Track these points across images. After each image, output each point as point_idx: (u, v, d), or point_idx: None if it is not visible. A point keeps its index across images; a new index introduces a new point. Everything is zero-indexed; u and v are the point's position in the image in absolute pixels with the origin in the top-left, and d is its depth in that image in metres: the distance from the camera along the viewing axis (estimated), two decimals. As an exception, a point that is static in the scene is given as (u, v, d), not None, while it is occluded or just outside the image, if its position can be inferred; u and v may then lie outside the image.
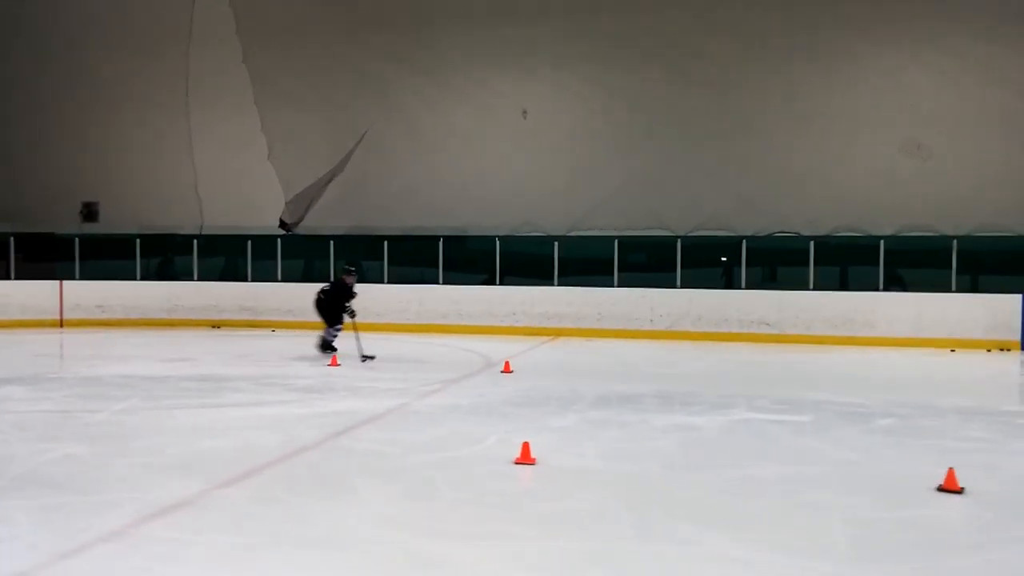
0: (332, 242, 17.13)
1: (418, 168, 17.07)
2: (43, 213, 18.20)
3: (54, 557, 3.92)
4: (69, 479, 5.30)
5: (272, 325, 16.81)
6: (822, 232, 15.48)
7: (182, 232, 18.01)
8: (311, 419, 7.33)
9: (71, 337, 15.29)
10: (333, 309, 11.94)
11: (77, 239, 17.77)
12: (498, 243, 16.64)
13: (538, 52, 16.81)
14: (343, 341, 12.05)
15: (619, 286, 16.23)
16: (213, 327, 17.02)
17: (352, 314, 11.76)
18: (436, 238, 16.80)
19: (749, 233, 15.84)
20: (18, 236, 17.48)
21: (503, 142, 17.01)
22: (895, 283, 15.24)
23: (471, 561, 3.97)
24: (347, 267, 12.47)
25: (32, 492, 4.99)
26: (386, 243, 16.97)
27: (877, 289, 15.08)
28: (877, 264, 15.02)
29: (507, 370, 10.67)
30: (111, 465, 5.68)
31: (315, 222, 17.69)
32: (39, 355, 12.28)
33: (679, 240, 16.01)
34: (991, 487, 5.40)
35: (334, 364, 11.01)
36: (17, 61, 18.77)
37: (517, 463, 5.79)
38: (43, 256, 17.86)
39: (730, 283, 15.99)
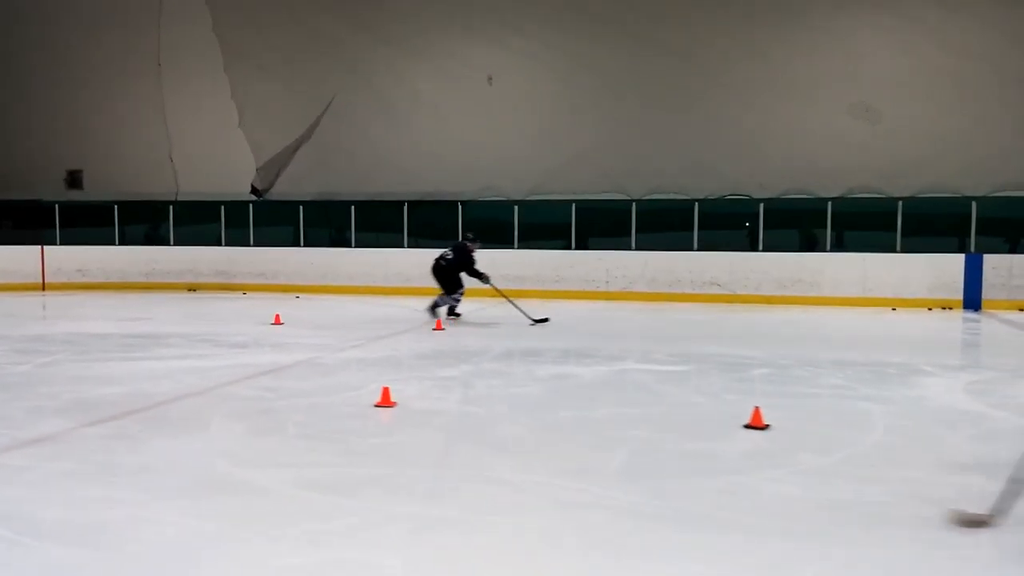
0: (302, 207, 17.67)
1: (385, 135, 17.49)
2: (29, 181, 18.90)
3: (-97, 479, 4.50)
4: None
5: (245, 288, 17.45)
6: (773, 195, 15.76)
7: (159, 199, 18.63)
8: (217, 371, 7.88)
9: (47, 299, 16.01)
10: (454, 276, 12.09)
11: (57, 206, 18.46)
12: (461, 208, 17.08)
13: (503, 19, 17.08)
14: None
15: (577, 249, 16.66)
16: (189, 290, 17.68)
17: (485, 279, 12.16)
18: (402, 203, 17.27)
19: (702, 196, 16.14)
20: (4, 203, 18.20)
21: (468, 109, 17.39)
22: (840, 245, 15.54)
23: (264, 482, 4.48)
24: (469, 234, 12.69)
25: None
26: (353, 208, 17.49)
27: (824, 250, 15.39)
28: (825, 226, 15.32)
29: (439, 327, 11.19)
30: (3, 408, 6.26)
31: (286, 188, 18.22)
32: (5, 315, 12.96)
33: (634, 203, 16.36)
34: (795, 426, 5.84)
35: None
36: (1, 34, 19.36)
37: (377, 406, 6.31)
38: (28, 223, 18.57)
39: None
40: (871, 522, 3.91)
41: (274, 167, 18.14)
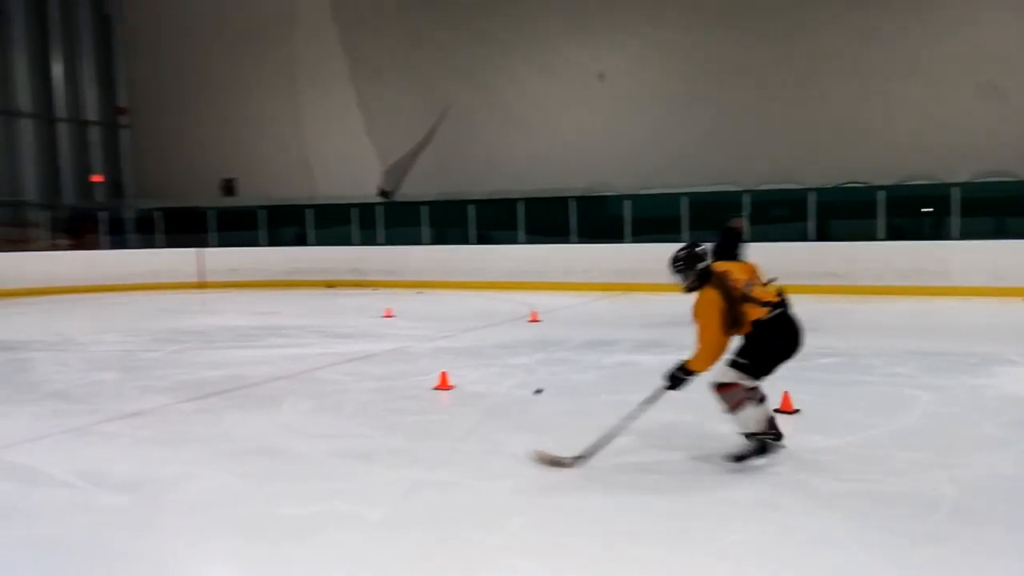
0: (425, 208, 18.65)
1: (499, 136, 18.17)
2: (188, 190, 21.01)
3: (26, 438, 5.50)
4: (82, 395, 6.98)
5: (376, 284, 18.61)
6: (892, 181, 15.12)
7: (300, 202, 20.18)
8: (312, 358, 8.73)
9: (202, 296, 17.79)
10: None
11: (210, 212, 20.40)
12: (574, 204, 17.46)
13: (612, 18, 17.34)
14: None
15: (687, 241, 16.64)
16: (327, 287, 19.05)
17: None
18: (516, 201, 17.87)
19: (816, 185, 15.71)
20: (166, 211, 20.34)
21: (578, 108, 17.78)
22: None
23: (302, 450, 5.15)
24: (736, 216, 11.02)
25: (50, 404, 6.68)
26: (473, 207, 18.26)
27: (951, 238, 14.61)
28: (949, 213, 14.54)
29: (533, 319, 11.68)
30: (120, 387, 7.32)
31: (410, 189, 19.28)
32: (161, 309, 14.60)
33: (747, 194, 16.14)
34: (824, 411, 5.91)
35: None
36: (161, 57, 21.61)
37: (435, 389, 6.89)
38: (188, 227, 20.62)
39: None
40: (794, 500, 4.08)
41: (399, 170, 19.23)
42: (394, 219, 19.29)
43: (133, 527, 3.92)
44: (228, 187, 21.81)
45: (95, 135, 24.18)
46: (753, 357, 4.58)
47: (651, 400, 4.80)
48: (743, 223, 10.96)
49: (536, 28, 18.03)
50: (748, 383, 4.60)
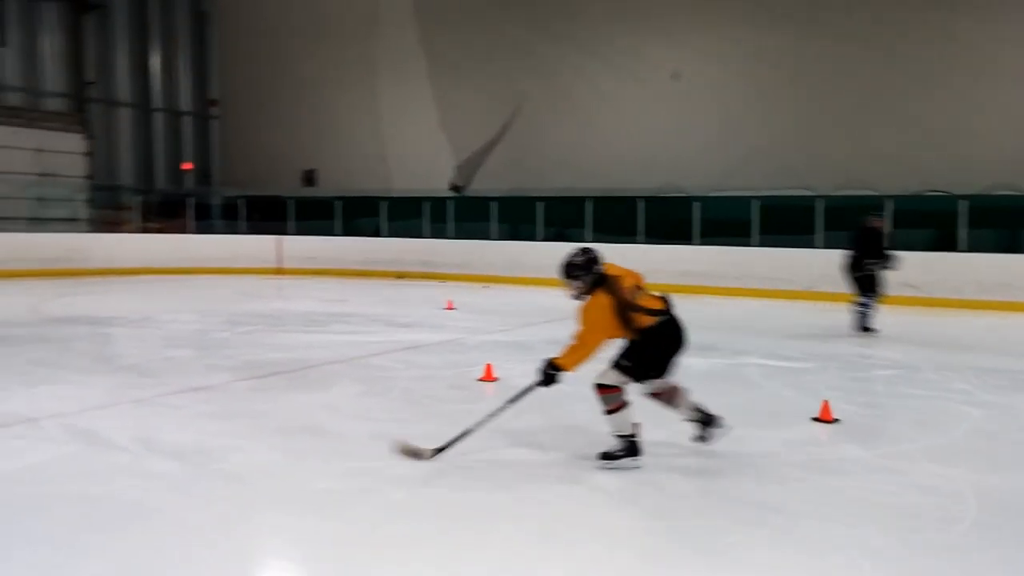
0: (495, 204, 18.89)
1: (570, 134, 18.29)
2: (271, 179, 21.82)
3: (96, 405, 5.94)
4: (153, 370, 7.45)
5: (444, 277, 18.96)
6: (974, 191, 14.60)
7: (375, 194, 20.71)
8: (370, 344, 9.05)
9: (279, 281, 18.46)
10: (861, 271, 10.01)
11: (290, 201, 21.14)
12: (642, 204, 17.43)
13: (686, 17, 17.25)
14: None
15: (758, 246, 16.42)
16: (398, 277, 19.51)
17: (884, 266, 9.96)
18: (585, 199, 17.95)
19: (895, 193, 15.29)
20: (249, 199, 21.16)
21: (650, 107, 17.75)
22: None
23: (342, 430, 5.43)
24: (874, 215, 10.66)
25: (123, 376, 7.16)
26: (542, 204, 18.41)
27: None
28: (1034, 225, 13.98)
29: (591, 318, 11.76)
30: (190, 363, 7.78)
31: (481, 185, 19.57)
32: (239, 293, 15.24)
33: (821, 200, 15.84)
34: (863, 422, 5.86)
35: None
36: (251, 52, 22.46)
37: (480, 380, 7.10)
38: (269, 215, 21.40)
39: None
40: (811, 510, 4.10)
41: (471, 165, 19.54)
42: (465, 214, 19.61)
43: (177, 491, 4.23)
44: (309, 178, 22.54)
45: (187, 125, 25.32)
46: (637, 361, 4.66)
47: (517, 397, 4.89)
48: (883, 222, 10.63)
49: (611, 27, 18.06)
50: (627, 385, 4.69)
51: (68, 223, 20.54)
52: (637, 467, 4.68)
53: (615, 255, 15.89)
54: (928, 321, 12.60)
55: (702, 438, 4.90)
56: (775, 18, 16.35)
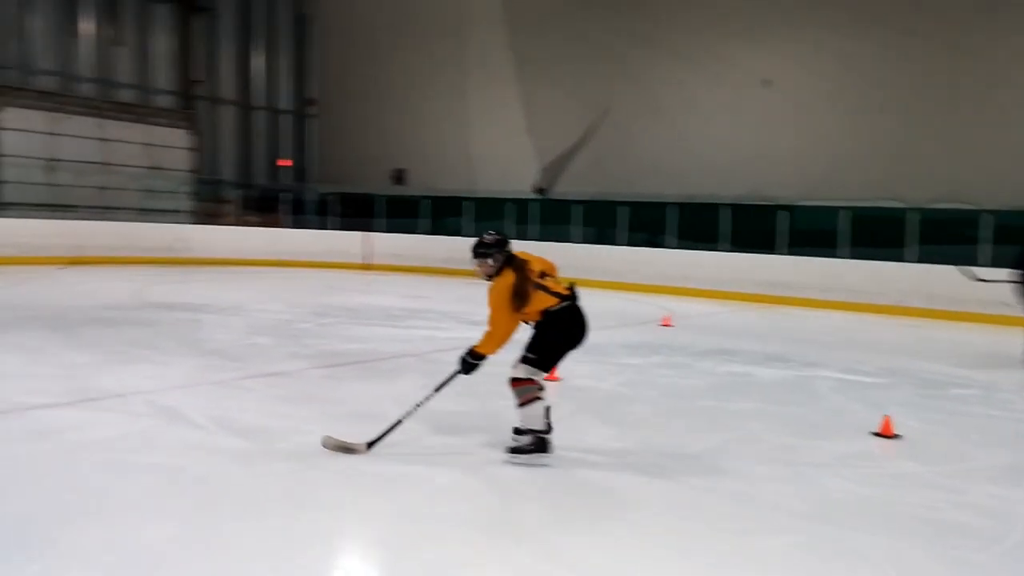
0: (577, 207, 18.99)
1: (656, 139, 18.22)
2: (362, 177, 22.49)
3: (179, 385, 6.36)
4: (235, 354, 7.87)
5: (525, 278, 19.17)
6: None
7: (460, 194, 21.10)
8: (443, 340, 9.32)
9: (365, 276, 19.03)
10: None
11: (379, 199, 21.74)
12: (727, 211, 17.22)
13: (779, 24, 16.96)
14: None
15: (847, 258, 16.00)
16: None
17: None
18: (668, 205, 17.85)
19: (994, 207, 14.66)
20: (341, 195, 21.87)
21: (738, 113, 17.51)
22: None
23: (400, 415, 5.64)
24: None
25: (207, 359, 7.59)
26: (623, 208, 18.41)
27: None
28: None
29: (665, 324, 11.75)
30: (271, 350, 8.18)
31: (565, 188, 19.68)
32: (326, 286, 15.80)
33: (913, 212, 15.32)
34: (925, 439, 5.74)
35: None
36: (348, 54, 23.19)
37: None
38: (359, 212, 22.05)
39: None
40: (859, 522, 4.07)
41: (556, 168, 19.68)
42: (547, 216, 19.78)
43: (241, 467, 4.52)
44: (398, 177, 23.13)
45: (286, 123, 26.32)
46: (541, 351, 4.76)
47: (442, 385, 4.92)
48: None
49: (702, 32, 17.92)
50: (539, 377, 4.75)
51: (172, 214, 21.68)
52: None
53: (697, 262, 16.05)
54: (1014, 342, 12.07)
55: (517, 451, 4.80)
56: (868, 25, 15.91)
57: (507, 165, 20.45)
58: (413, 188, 22.29)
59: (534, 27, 19.91)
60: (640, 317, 12.84)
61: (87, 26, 21.67)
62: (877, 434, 5.72)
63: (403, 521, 3.86)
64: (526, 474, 4.63)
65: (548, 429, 4.80)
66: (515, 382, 4.77)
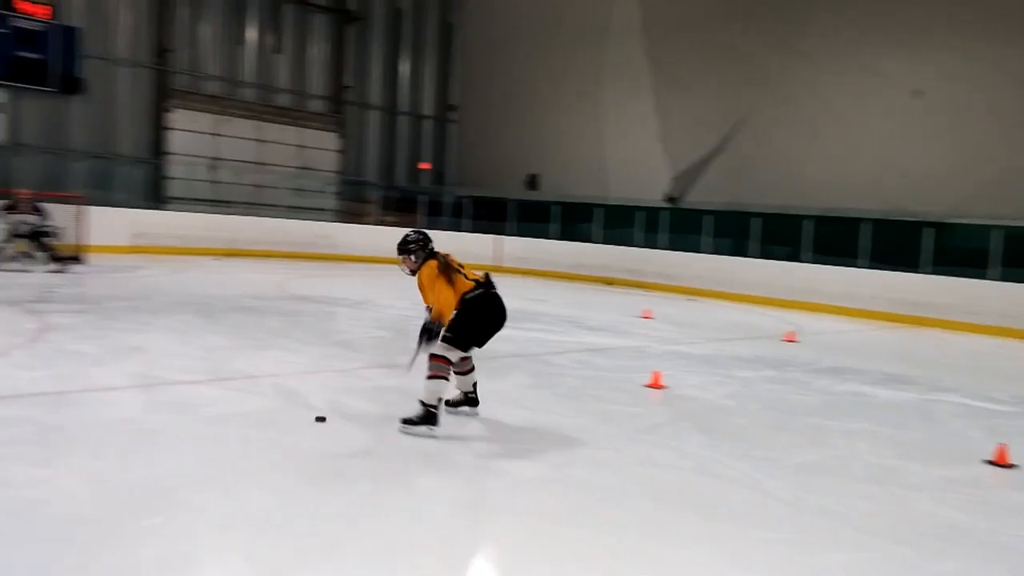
0: (708, 217, 18.73)
1: (794, 149, 17.73)
2: (497, 182, 23.05)
3: (304, 371, 6.87)
4: (359, 345, 8.38)
5: (651, 287, 19.08)
6: None
7: (591, 201, 21.24)
8: (554, 343, 9.53)
9: (493, 278, 19.47)
10: None
11: (511, 203, 22.20)
12: (868, 226, 16.53)
13: (928, 33, 16.13)
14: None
15: (997, 280, 15.03)
16: (605, 283, 19.92)
17: None
18: (804, 217, 17.32)
19: None
20: (475, 198, 22.50)
21: (883, 124, 16.80)
22: None
23: (498, 415, 5.90)
24: None
25: (333, 349, 8.12)
26: (757, 219, 18.00)
27: None
28: None
29: (788, 339, 11.49)
30: (389, 343, 8.65)
31: (697, 197, 19.44)
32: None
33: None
34: (1045, 473, 5.43)
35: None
36: (488, 62, 23.80)
37: (647, 386, 7.32)
38: (492, 216, 22.60)
39: None
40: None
41: (688, 177, 19.50)
42: (677, 225, 19.61)
43: (349, 446, 4.90)
44: (532, 182, 23.55)
45: (428, 128, 27.31)
46: (458, 331, 5.32)
47: (417, 354, 5.40)
48: None
49: (846, 40, 17.29)
50: (454, 355, 5.31)
51: (318, 212, 22.97)
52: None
53: (833, 277, 15.55)
54: None
55: (409, 422, 5.21)
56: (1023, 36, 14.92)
57: (639, 173, 20.44)
58: (546, 193, 22.64)
59: (672, 36, 19.81)
60: (763, 331, 12.59)
61: (251, 34, 23.28)
62: (990, 462, 5.48)
63: (482, 510, 4.10)
64: (603, 476, 4.76)
65: (435, 407, 5.23)
66: (433, 357, 5.25)
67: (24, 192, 13.71)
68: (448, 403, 5.64)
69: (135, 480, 4.09)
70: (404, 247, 5.55)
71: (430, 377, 5.22)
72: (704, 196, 19.35)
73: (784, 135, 18.03)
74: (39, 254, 13.17)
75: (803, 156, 17.70)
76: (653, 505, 4.33)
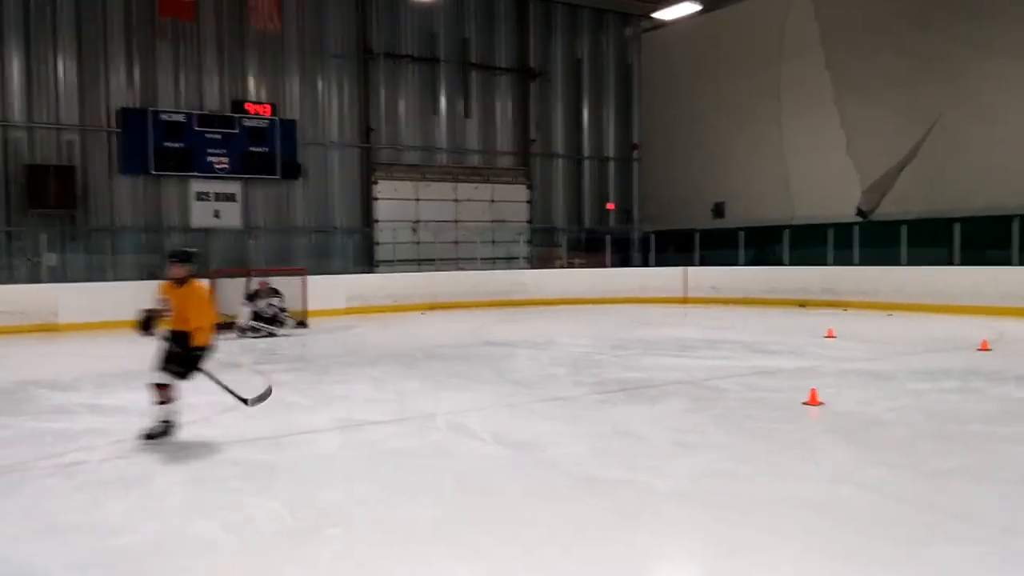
0: (904, 227, 17.86)
1: (991, 149, 16.60)
2: (683, 213, 23.26)
3: (476, 407, 7.68)
4: (532, 382, 9.08)
5: (848, 305, 18.41)
6: None
7: (777, 223, 20.89)
8: (724, 368, 9.73)
9: (681, 309, 19.67)
10: None
11: (697, 233, 22.27)
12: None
13: None
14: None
15: None
16: (800, 306, 19.44)
17: None
18: (1011, 217, 16.11)
19: None
20: (660, 233, 22.82)
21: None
22: None
23: (648, 436, 6.34)
24: None
25: (508, 387, 8.88)
26: (958, 225, 16.95)
27: None
28: None
29: (983, 348, 10.88)
30: (562, 378, 9.27)
31: (889, 208, 18.59)
32: (637, 321, 16.70)
33: None
34: None
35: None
36: (666, 97, 24.17)
37: (804, 404, 7.44)
38: (678, 248, 22.80)
39: None
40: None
41: (879, 189, 18.72)
42: (871, 239, 18.85)
43: (501, 470, 5.58)
44: (718, 210, 23.53)
45: (612, 169, 28.03)
46: (185, 362, 6.22)
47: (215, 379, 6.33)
48: None
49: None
50: (175, 383, 6.15)
51: (512, 261, 24.28)
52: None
53: None
54: None
55: (151, 436, 6.19)
56: None
57: (826, 190, 19.87)
58: (732, 220, 22.53)
59: (852, 45, 19.29)
60: (956, 342, 11.95)
61: (443, 104, 25.26)
62: None
63: (612, 522, 4.60)
64: (735, 486, 5.08)
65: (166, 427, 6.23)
66: (158, 387, 6.15)
67: (263, 283, 15.68)
68: (149, 436, 6.30)
69: (325, 502, 5.00)
70: (187, 255, 6.39)
71: (159, 403, 6.22)
72: (899, 207, 18.48)
73: (978, 133, 16.91)
74: (277, 326, 15.04)
75: (1000, 153, 16.51)
76: (777, 509, 4.61)
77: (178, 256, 6.38)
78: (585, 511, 4.71)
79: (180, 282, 6.35)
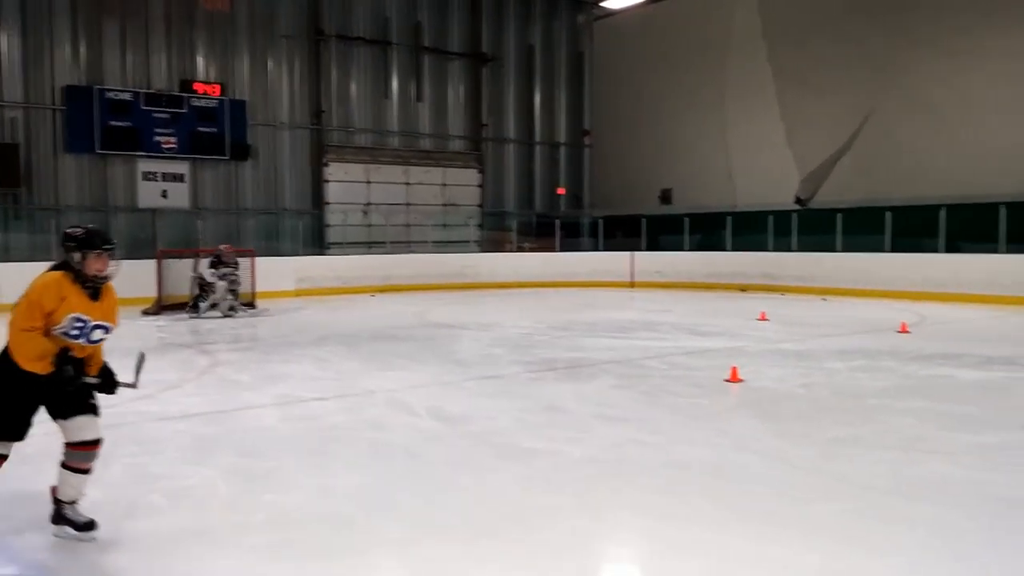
0: (840, 215, 18.55)
1: (923, 140, 17.37)
2: (631, 199, 23.78)
3: (415, 385, 8.00)
4: (471, 362, 9.43)
5: (785, 290, 19.07)
6: None
7: (720, 211, 21.48)
8: (656, 348, 10.19)
9: (626, 293, 20.18)
10: None
11: (646, 219, 22.79)
12: (1004, 210, 15.92)
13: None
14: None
15: None
16: (740, 290, 20.06)
17: None
18: (938, 207, 16.87)
19: None
20: (608, 218, 23.30)
21: (1013, 103, 16.14)
22: None
23: (570, 406, 6.73)
24: None
25: (446, 366, 9.22)
26: (891, 214, 17.68)
27: None
28: None
29: (902, 331, 11.51)
30: (500, 358, 9.64)
31: (826, 197, 19.29)
32: (583, 304, 17.15)
33: None
34: None
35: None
36: (616, 85, 24.60)
37: (726, 381, 7.90)
38: (625, 233, 23.30)
39: None
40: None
41: (816, 178, 19.41)
42: (809, 226, 19.53)
43: (432, 442, 5.91)
44: (665, 196, 24.08)
45: (563, 154, 28.40)
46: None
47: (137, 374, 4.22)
48: None
49: (974, 26, 16.86)
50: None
51: (463, 244, 24.56)
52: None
53: (969, 265, 15.46)
54: None
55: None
56: None
57: (767, 178, 20.54)
58: (678, 207, 23.09)
59: (794, 39, 19.95)
60: (878, 324, 12.58)
61: (395, 87, 25.31)
62: (1036, 431, 5.73)
63: (541, 489, 4.97)
64: (645, 453, 5.49)
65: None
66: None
67: (228, 247, 15.67)
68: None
69: (261, 470, 5.28)
70: (112, 245, 4.14)
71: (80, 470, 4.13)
72: (835, 195, 19.20)
73: (911, 125, 17.66)
74: (226, 301, 15.05)
75: (932, 144, 17.27)
76: (678, 472, 5.02)
77: (108, 243, 4.13)
78: (503, 476, 5.07)
79: (101, 282, 4.15)
